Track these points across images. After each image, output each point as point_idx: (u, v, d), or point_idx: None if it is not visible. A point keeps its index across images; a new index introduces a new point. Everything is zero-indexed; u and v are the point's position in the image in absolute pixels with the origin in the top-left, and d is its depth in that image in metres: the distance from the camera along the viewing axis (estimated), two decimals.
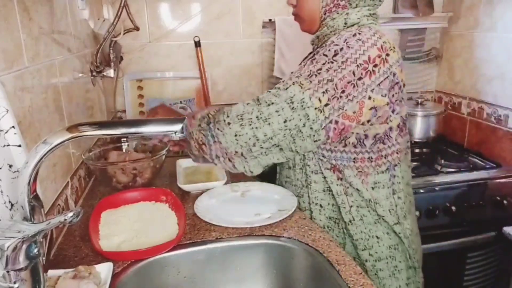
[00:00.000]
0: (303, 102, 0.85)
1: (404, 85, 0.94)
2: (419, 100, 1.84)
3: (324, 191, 1.00)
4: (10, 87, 0.71)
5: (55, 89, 0.98)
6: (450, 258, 1.48)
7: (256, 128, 0.87)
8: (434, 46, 2.00)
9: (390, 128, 0.93)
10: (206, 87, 1.76)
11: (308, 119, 0.85)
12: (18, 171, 0.64)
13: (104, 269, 0.77)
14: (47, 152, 0.56)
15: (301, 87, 0.86)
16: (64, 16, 1.10)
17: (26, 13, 0.82)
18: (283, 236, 0.92)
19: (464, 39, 1.84)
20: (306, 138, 0.88)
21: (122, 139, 1.35)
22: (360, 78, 0.86)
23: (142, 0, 1.69)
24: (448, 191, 1.47)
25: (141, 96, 1.78)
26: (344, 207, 0.98)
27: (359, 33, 0.89)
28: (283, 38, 1.74)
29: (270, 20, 1.75)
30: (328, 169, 0.97)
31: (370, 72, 0.87)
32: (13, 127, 0.64)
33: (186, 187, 1.17)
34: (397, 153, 0.96)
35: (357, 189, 0.96)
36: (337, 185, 0.98)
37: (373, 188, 0.96)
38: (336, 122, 0.87)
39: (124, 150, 1.36)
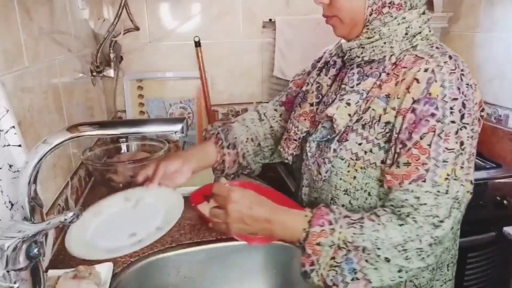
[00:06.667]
0: (464, 194, 0.72)
1: None
2: None
3: None
4: (10, 87, 0.71)
5: (55, 89, 0.98)
6: None
7: (428, 256, 0.68)
8: None
9: None
10: (206, 87, 1.76)
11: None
12: (18, 171, 0.64)
13: (104, 269, 0.77)
14: (47, 152, 0.56)
15: (457, 179, 0.70)
16: (64, 16, 1.10)
17: (26, 13, 0.82)
18: None
19: (464, 39, 1.84)
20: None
21: (121, 139, 1.35)
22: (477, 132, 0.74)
23: (142, 0, 1.69)
24: None
25: (141, 96, 1.78)
26: None
27: (463, 74, 0.70)
28: (283, 38, 1.74)
29: (270, 20, 1.75)
30: None
31: (480, 120, 0.75)
32: (13, 127, 0.64)
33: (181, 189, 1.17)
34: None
35: None
36: None
37: None
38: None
39: (127, 151, 1.36)
